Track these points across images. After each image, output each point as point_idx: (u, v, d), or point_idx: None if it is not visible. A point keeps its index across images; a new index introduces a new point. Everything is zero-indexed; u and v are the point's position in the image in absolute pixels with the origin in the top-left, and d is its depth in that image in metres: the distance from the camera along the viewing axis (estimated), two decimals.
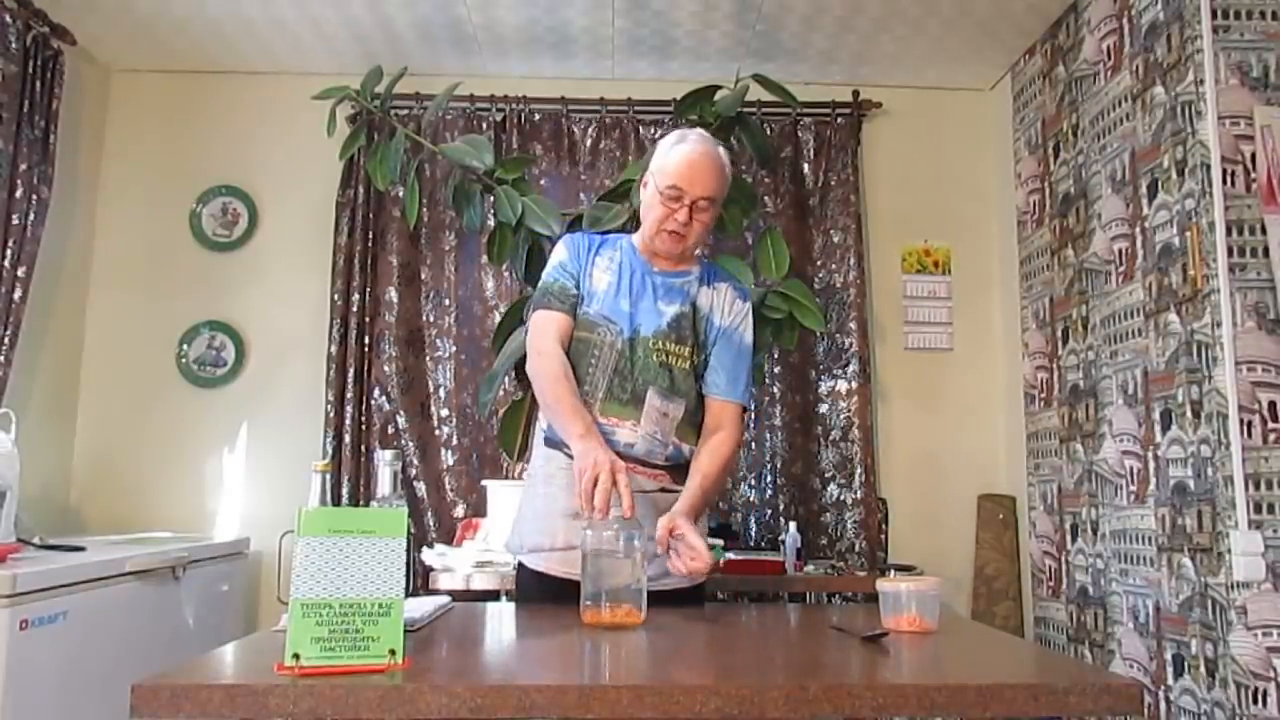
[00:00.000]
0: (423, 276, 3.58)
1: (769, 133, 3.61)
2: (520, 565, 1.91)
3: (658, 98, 3.54)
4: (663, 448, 1.83)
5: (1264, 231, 2.32)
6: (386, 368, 3.48)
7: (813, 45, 3.45)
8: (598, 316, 1.87)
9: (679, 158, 1.84)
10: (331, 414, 3.40)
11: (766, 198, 3.62)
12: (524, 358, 2.05)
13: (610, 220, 2.84)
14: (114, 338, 3.54)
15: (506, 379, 3.05)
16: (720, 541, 3.04)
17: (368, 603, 1.18)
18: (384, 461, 1.67)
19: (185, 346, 3.53)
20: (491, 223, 3.16)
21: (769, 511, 3.50)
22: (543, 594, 1.80)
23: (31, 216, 3.04)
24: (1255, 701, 2.16)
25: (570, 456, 1.74)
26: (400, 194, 3.42)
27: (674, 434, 1.84)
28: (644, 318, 1.86)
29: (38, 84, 3.07)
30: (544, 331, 1.86)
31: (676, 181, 1.83)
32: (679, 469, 1.87)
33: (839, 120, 3.66)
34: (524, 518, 1.92)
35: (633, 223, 2.61)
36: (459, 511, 3.41)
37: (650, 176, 1.90)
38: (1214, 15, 2.39)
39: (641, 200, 1.94)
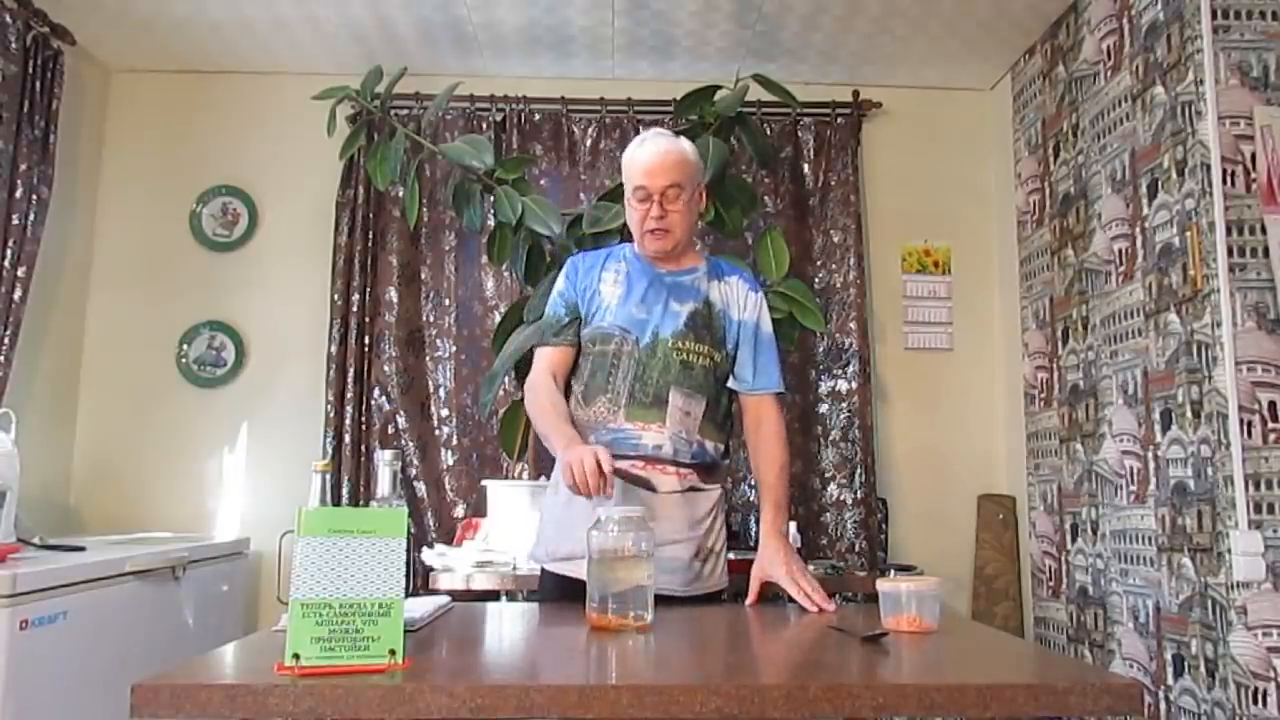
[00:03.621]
0: (423, 276, 3.58)
1: (769, 133, 3.61)
2: (544, 571, 1.95)
3: (658, 98, 3.54)
4: (688, 446, 1.88)
5: (1264, 231, 2.32)
6: (386, 368, 3.48)
7: (813, 45, 3.45)
8: (612, 327, 1.91)
9: (637, 160, 1.92)
10: (331, 414, 3.40)
11: (766, 198, 3.62)
12: (524, 358, 2.09)
13: (610, 220, 2.84)
14: (114, 338, 3.54)
15: (506, 379, 3.04)
16: None
17: (368, 603, 1.18)
18: (384, 461, 1.68)
19: (185, 346, 3.53)
20: (491, 223, 3.16)
21: None
22: (565, 597, 1.82)
23: (31, 216, 3.04)
24: (1255, 701, 2.16)
25: None
26: (400, 194, 3.41)
27: (697, 432, 1.88)
28: (661, 320, 1.91)
29: (38, 84, 3.07)
30: (537, 367, 1.97)
31: (639, 182, 1.91)
32: (705, 467, 1.92)
33: (839, 120, 3.66)
34: (550, 526, 1.95)
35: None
36: (459, 511, 3.41)
37: (625, 187, 1.98)
38: (1214, 15, 2.39)
39: (626, 215, 2.01)
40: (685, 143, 1.96)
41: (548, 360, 1.96)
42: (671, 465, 1.86)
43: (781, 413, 2.00)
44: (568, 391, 1.98)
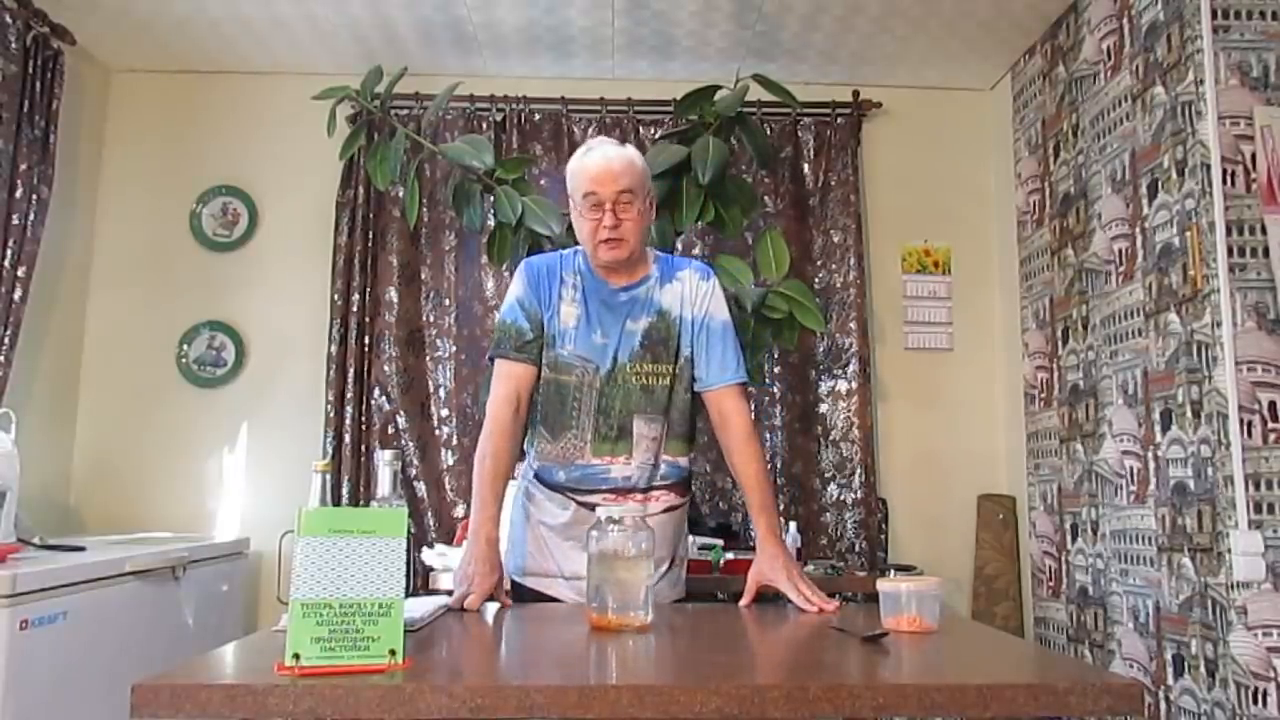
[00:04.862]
0: (423, 276, 3.58)
1: (769, 133, 3.61)
2: (517, 584, 1.92)
3: (658, 98, 3.54)
4: (657, 469, 1.85)
5: (1264, 231, 2.32)
6: (386, 368, 3.48)
7: (813, 45, 3.45)
8: (573, 358, 1.84)
9: (586, 168, 1.82)
10: (331, 414, 3.40)
11: (766, 198, 3.62)
12: None
13: None
14: (114, 338, 3.54)
15: None
16: (720, 541, 3.04)
17: (368, 603, 1.18)
18: (384, 461, 1.67)
19: (185, 346, 3.53)
20: (491, 223, 3.16)
21: None
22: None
23: (31, 216, 3.04)
24: (1255, 701, 2.16)
25: (576, 500, 1.83)
26: (400, 194, 3.41)
27: (663, 453, 1.85)
28: (619, 344, 1.85)
29: (38, 84, 3.07)
30: (500, 389, 1.86)
31: (589, 188, 1.80)
32: (678, 484, 1.89)
33: (839, 120, 3.66)
34: (525, 541, 1.92)
35: None
36: (459, 511, 3.41)
37: (571, 200, 1.87)
38: (1214, 15, 2.39)
39: (575, 228, 1.89)
40: (634, 150, 1.87)
41: (513, 380, 1.86)
42: (641, 494, 1.83)
43: (747, 404, 1.89)
44: (530, 419, 1.91)
